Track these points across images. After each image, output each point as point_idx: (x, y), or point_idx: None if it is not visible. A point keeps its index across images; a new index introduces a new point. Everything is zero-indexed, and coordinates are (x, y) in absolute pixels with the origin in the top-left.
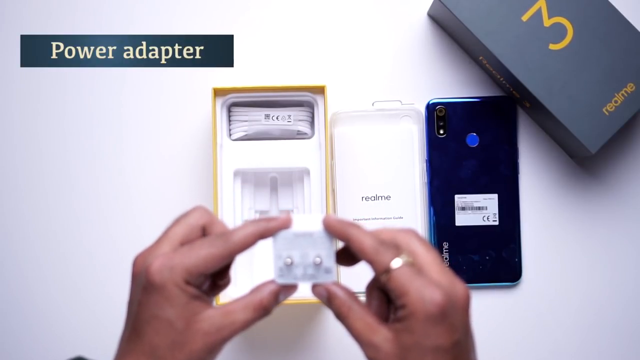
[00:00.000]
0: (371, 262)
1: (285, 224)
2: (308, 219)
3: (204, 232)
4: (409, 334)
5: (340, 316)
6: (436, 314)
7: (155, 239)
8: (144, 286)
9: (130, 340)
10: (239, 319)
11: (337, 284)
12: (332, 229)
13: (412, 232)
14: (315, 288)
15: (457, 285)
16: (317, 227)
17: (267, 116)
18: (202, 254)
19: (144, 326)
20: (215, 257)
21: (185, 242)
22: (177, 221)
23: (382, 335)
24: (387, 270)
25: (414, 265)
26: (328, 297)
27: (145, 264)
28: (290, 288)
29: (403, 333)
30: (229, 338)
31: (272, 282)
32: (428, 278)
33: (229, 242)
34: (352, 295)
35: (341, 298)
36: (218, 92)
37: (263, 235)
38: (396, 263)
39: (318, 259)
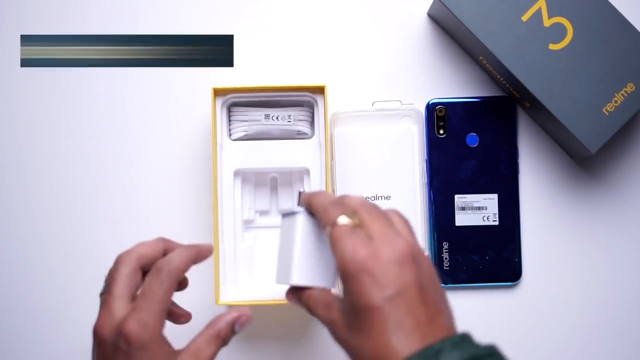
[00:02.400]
0: (320, 217)
1: (206, 250)
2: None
3: (142, 270)
4: (346, 296)
5: (308, 309)
6: (356, 270)
7: (99, 304)
8: (125, 352)
9: None
10: (207, 356)
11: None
12: (303, 200)
13: (371, 205)
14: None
15: (392, 241)
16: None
17: (267, 116)
18: (159, 295)
19: None
20: (167, 291)
21: (133, 291)
22: (112, 280)
23: (334, 307)
24: (332, 224)
25: (358, 226)
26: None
27: (116, 331)
28: (244, 318)
29: (344, 296)
30: None
31: (228, 313)
32: (363, 238)
33: (171, 272)
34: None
35: (304, 293)
36: (218, 92)
37: (195, 260)
38: (342, 220)
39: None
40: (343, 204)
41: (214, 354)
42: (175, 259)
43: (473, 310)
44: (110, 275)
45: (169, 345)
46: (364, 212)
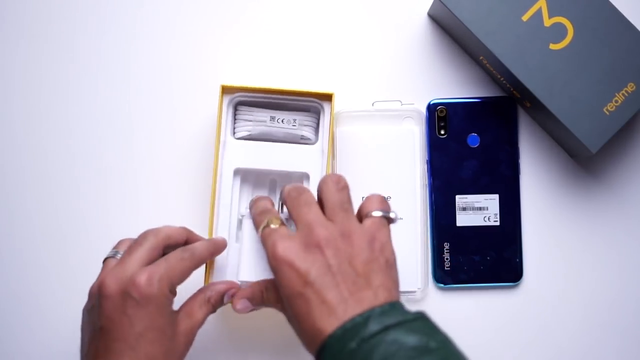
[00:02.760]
0: (254, 223)
1: (224, 244)
2: None
3: (163, 251)
4: (279, 289)
5: (263, 305)
6: (277, 264)
7: (107, 266)
8: (135, 300)
9: (108, 357)
10: (199, 318)
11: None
12: (249, 205)
13: (296, 197)
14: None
15: (306, 232)
16: None
17: (272, 118)
18: (179, 266)
19: (137, 339)
20: (187, 268)
21: (149, 262)
22: (135, 247)
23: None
24: (261, 229)
25: (282, 225)
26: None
27: (128, 281)
28: (232, 291)
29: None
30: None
31: (219, 283)
32: (283, 234)
33: (195, 256)
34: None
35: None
36: (226, 90)
37: (214, 253)
38: (267, 223)
39: None
40: (269, 211)
41: (204, 317)
42: (199, 247)
43: (474, 310)
44: (133, 242)
45: (170, 305)
46: (292, 209)
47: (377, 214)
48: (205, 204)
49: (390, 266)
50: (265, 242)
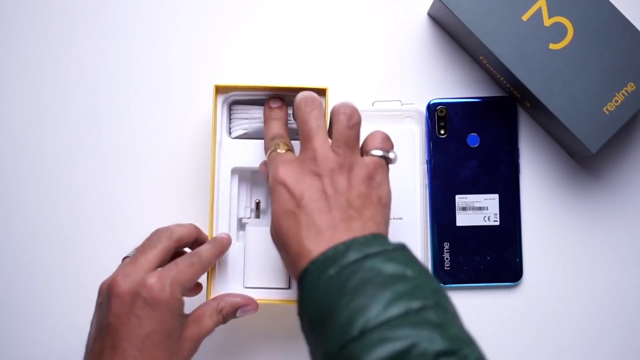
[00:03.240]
0: (265, 148)
1: (229, 243)
2: None
3: (174, 253)
4: (271, 207)
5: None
6: (275, 184)
7: (122, 265)
8: (145, 299)
9: (115, 358)
10: (208, 326)
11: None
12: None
13: (309, 120)
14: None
15: (307, 158)
16: None
17: None
18: (189, 272)
19: (144, 340)
20: (197, 275)
21: (160, 264)
22: (146, 249)
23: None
24: (268, 153)
25: (288, 150)
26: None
27: (139, 283)
28: (248, 308)
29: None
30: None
31: (232, 295)
32: (288, 158)
33: (202, 260)
34: None
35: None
36: (220, 90)
37: (220, 255)
38: (274, 148)
39: None
40: (279, 136)
41: (213, 327)
42: (206, 252)
43: (474, 310)
44: (146, 241)
45: (181, 309)
46: (301, 124)
47: (377, 152)
48: (205, 205)
49: (383, 204)
50: (270, 165)
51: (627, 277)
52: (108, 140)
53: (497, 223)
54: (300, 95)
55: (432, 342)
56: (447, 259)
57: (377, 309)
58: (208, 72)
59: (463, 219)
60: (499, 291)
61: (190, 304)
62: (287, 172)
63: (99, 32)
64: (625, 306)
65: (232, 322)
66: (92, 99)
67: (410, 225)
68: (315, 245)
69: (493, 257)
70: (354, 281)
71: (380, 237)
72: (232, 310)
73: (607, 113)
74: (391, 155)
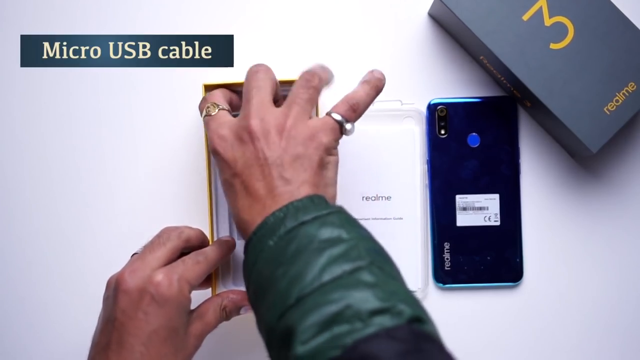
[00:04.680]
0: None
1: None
2: None
3: (180, 253)
4: None
5: None
6: (212, 153)
7: (130, 261)
8: (154, 298)
9: (121, 353)
10: (211, 322)
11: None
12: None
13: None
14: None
15: (238, 121)
16: None
17: None
18: (196, 270)
19: (150, 336)
20: (204, 273)
21: (167, 262)
22: (159, 244)
23: None
24: (203, 116)
25: (212, 113)
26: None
27: (143, 278)
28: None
29: None
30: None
31: (236, 292)
32: (218, 124)
33: (208, 260)
34: None
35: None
36: (208, 88)
37: (228, 254)
38: (206, 111)
39: None
40: (211, 96)
41: (216, 323)
42: (211, 252)
43: (474, 310)
44: (155, 239)
45: (189, 307)
46: (245, 87)
47: (335, 116)
48: (204, 206)
49: (322, 165)
50: (206, 130)
51: (628, 277)
52: (107, 147)
53: (498, 223)
54: (254, 64)
55: (365, 301)
56: (447, 259)
57: (312, 275)
58: (205, 75)
59: (463, 219)
60: (500, 291)
61: (195, 299)
62: (219, 139)
63: (96, 33)
64: (626, 306)
65: (235, 320)
66: (90, 105)
67: (410, 226)
68: (253, 215)
69: (493, 257)
70: (291, 250)
71: (317, 200)
72: (236, 308)
73: (608, 113)
74: (348, 125)
